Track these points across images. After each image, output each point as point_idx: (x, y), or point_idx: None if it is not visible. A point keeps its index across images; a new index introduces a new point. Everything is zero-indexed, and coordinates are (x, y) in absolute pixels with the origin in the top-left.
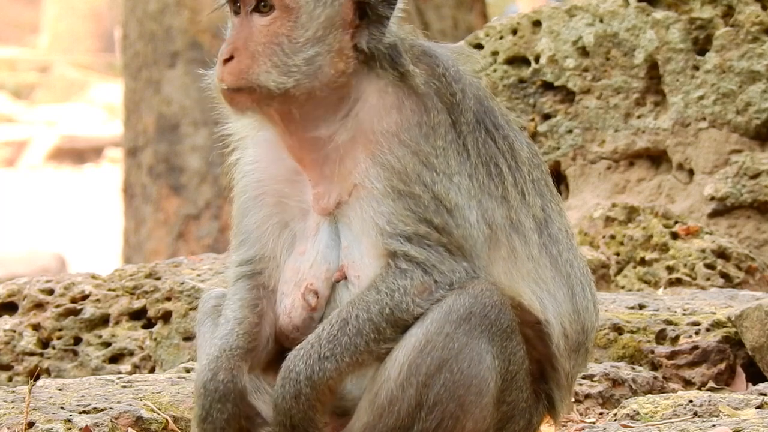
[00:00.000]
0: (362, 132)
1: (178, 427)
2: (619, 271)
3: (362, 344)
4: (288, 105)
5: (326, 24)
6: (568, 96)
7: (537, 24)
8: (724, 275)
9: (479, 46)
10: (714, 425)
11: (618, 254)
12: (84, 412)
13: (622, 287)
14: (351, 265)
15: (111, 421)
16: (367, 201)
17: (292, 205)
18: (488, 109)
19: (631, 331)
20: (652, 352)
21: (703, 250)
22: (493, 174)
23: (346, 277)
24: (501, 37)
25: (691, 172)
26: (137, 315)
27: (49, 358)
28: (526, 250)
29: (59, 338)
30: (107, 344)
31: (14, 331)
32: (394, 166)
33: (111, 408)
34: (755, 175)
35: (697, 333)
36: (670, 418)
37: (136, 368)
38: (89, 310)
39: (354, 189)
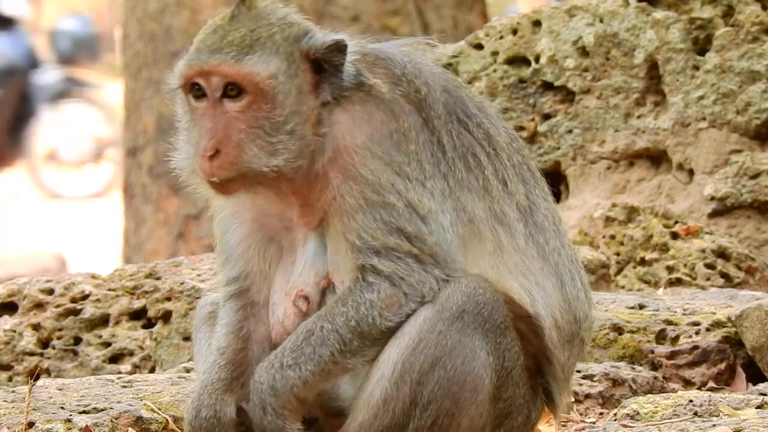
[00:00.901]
0: (337, 150)
1: (178, 427)
2: (619, 271)
3: (327, 354)
4: (278, 179)
5: (297, 95)
6: (568, 96)
7: (537, 24)
8: (724, 275)
9: (479, 46)
10: (714, 425)
11: (618, 254)
12: (84, 412)
13: (622, 287)
14: (336, 271)
15: (111, 421)
16: (338, 216)
17: (274, 222)
18: (458, 98)
19: (631, 331)
20: (652, 352)
21: (703, 250)
22: (471, 166)
23: (332, 284)
24: (501, 37)
25: (691, 172)
26: (137, 315)
27: (49, 358)
28: (512, 242)
29: (59, 338)
30: (107, 344)
31: (14, 331)
32: (367, 178)
33: (111, 408)
34: (755, 175)
35: (697, 333)
36: (670, 418)
37: (136, 368)
38: (89, 310)
39: (330, 204)
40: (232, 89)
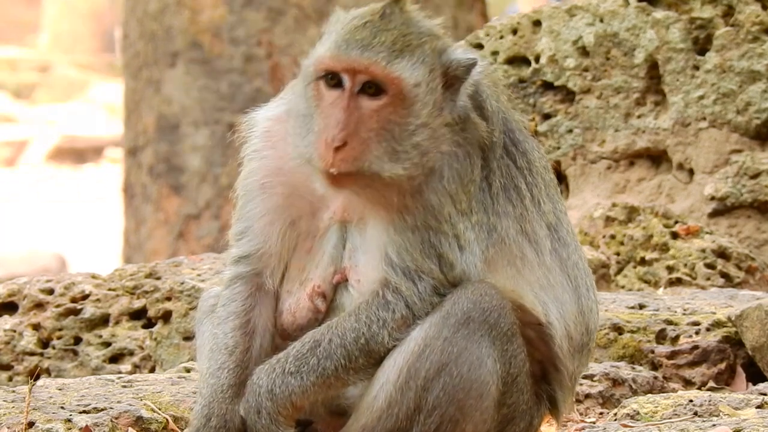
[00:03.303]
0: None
1: (178, 427)
2: (619, 271)
3: (331, 368)
4: (391, 186)
5: (431, 109)
6: (568, 96)
7: (537, 24)
8: (724, 275)
9: (479, 46)
10: (714, 425)
11: (618, 254)
12: (84, 411)
13: (622, 287)
14: (353, 269)
15: (111, 421)
16: (385, 226)
17: (304, 202)
18: (509, 126)
19: (631, 331)
20: (652, 351)
21: (703, 250)
22: (512, 198)
23: (347, 280)
24: (501, 37)
25: (691, 172)
26: (137, 315)
27: (49, 358)
28: (537, 259)
29: (59, 338)
30: (107, 344)
31: (14, 331)
32: (434, 206)
33: (111, 408)
34: (755, 175)
35: (697, 333)
36: (670, 418)
37: (136, 368)
38: (89, 310)
39: (380, 210)
40: (371, 87)
